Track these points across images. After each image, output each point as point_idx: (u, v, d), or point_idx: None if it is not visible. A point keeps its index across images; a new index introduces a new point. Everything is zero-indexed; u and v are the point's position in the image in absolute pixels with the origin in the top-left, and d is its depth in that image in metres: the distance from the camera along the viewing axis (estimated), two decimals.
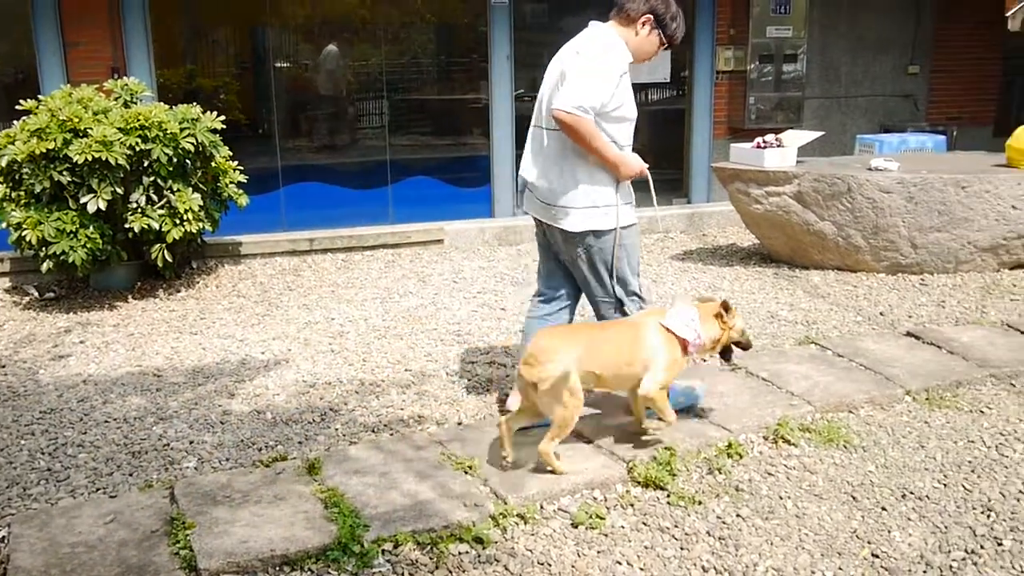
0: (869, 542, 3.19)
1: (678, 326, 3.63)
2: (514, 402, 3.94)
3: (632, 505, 3.42)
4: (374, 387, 4.60)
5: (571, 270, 4.04)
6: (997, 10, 10.20)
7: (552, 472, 3.54)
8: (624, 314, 3.93)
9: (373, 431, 4.08)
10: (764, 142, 6.73)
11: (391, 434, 4.03)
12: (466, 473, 3.56)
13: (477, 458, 3.66)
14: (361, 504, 3.32)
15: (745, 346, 3.93)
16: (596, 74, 3.67)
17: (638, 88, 9.07)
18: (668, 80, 8.96)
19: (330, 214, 7.95)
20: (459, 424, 4.13)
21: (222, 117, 6.27)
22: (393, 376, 4.76)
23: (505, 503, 3.35)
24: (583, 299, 4.20)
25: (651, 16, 3.84)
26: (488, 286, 6.46)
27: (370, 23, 8.39)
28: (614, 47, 3.78)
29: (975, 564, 3.05)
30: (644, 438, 3.83)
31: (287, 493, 3.42)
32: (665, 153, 9.49)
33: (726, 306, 3.77)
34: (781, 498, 3.47)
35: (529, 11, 9.69)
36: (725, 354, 3.89)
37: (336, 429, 4.11)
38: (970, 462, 3.73)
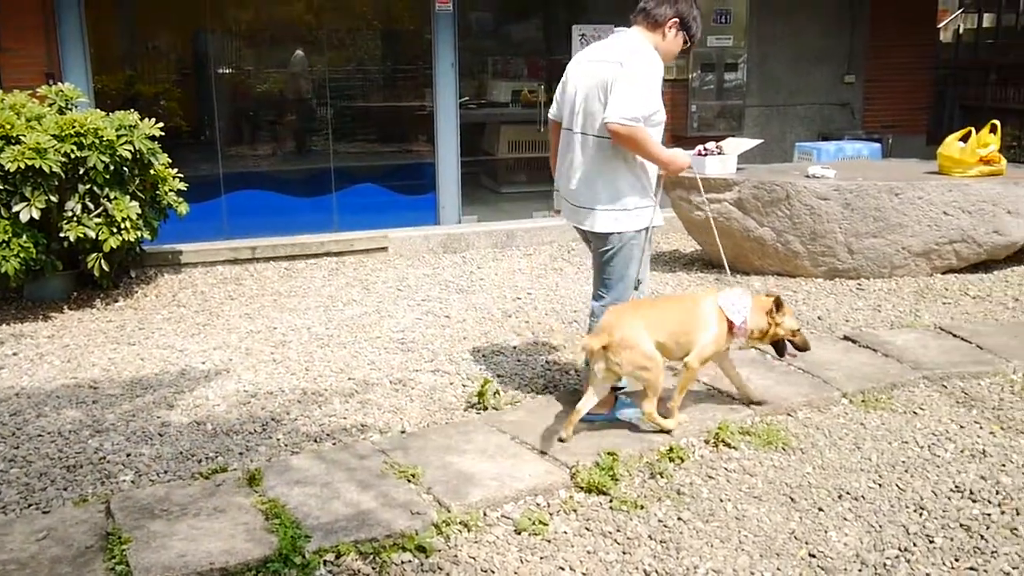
0: (807, 542, 3.25)
1: (728, 307, 3.98)
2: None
3: (575, 510, 3.44)
4: (316, 396, 4.56)
5: (599, 263, 4.22)
6: (929, 22, 10.51)
7: (661, 430, 3.91)
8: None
9: (315, 441, 4.04)
10: (705, 149, 6.82)
11: (333, 444, 4.00)
12: (409, 482, 3.55)
13: (420, 466, 3.65)
14: (303, 515, 3.29)
15: (800, 346, 4.16)
16: (642, 84, 3.83)
17: None
18: None
19: (273, 222, 7.87)
20: (402, 432, 4.11)
21: (161, 124, 6.17)
22: (336, 385, 4.72)
23: (448, 511, 3.35)
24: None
25: (678, 20, 4.00)
26: (432, 294, 6.44)
27: (315, 29, 8.33)
28: (650, 55, 3.93)
29: (908, 562, 3.12)
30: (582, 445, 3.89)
31: (227, 505, 3.37)
32: None
33: (778, 303, 4.05)
34: (721, 501, 3.52)
35: (474, 19, 9.73)
36: (778, 348, 4.16)
37: (278, 439, 4.06)
38: (904, 462, 3.82)
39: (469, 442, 3.91)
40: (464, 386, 4.65)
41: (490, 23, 10.05)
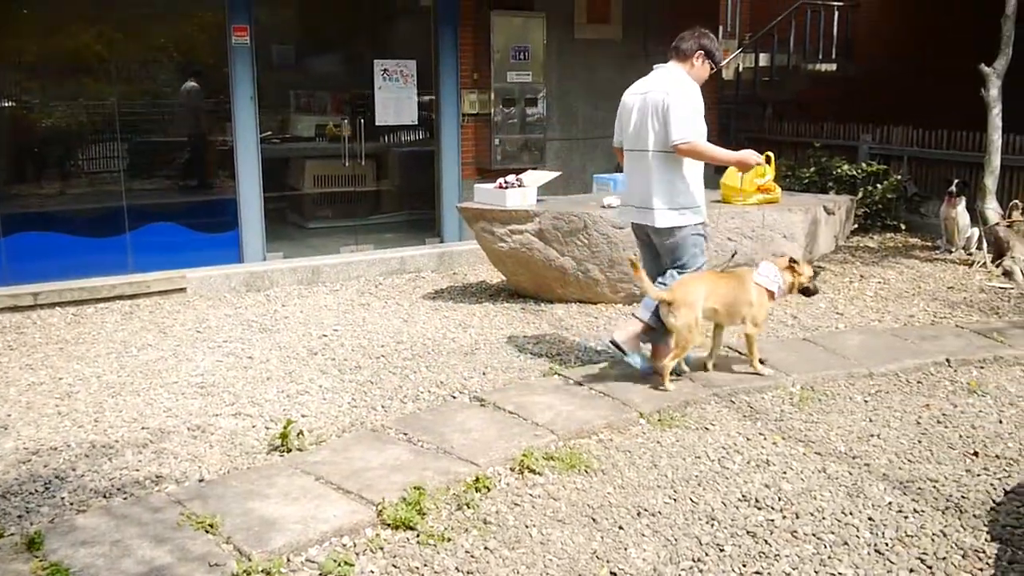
0: (608, 561, 3.35)
1: (766, 280, 5.01)
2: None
3: (382, 548, 3.41)
4: (107, 449, 4.30)
5: (664, 254, 5.14)
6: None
7: (661, 388, 4.84)
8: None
9: (105, 496, 3.80)
10: (506, 182, 6.99)
11: (125, 498, 3.78)
12: (207, 532, 3.40)
13: (220, 515, 3.51)
14: None
15: (813, 290, 5.23)
16: (692, 107, 4.86)
17: (387, 130, 9.19)
18: (416, 123, 9.10)
19: (61, 265, 7.37)
20: (201, 481, 3.94)
21: None
22: (128, 436, 4.46)
23: (249, 559, 3.24)
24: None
25: (702, 51, 5.01)
26: (234, 334, 6.23)
27: (105, 61, 7.92)
28: (688, 82, 4.94)
29: (701, 571, 3.28)
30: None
31: (2, 574, 3.12)
32: (418, 193, 9.63)
33: (793, 260, 5.13)
34: (527, 527, 3.58)
35: (275, 53, 9.56)
36: (807, 293, 5.25)
37: (62, 498, 3.79)
38: (696, 476, 4.02)
39: (272, 486, 3.79)
40: (267, 428, 4.52)
41: (291, 57, 9.92)
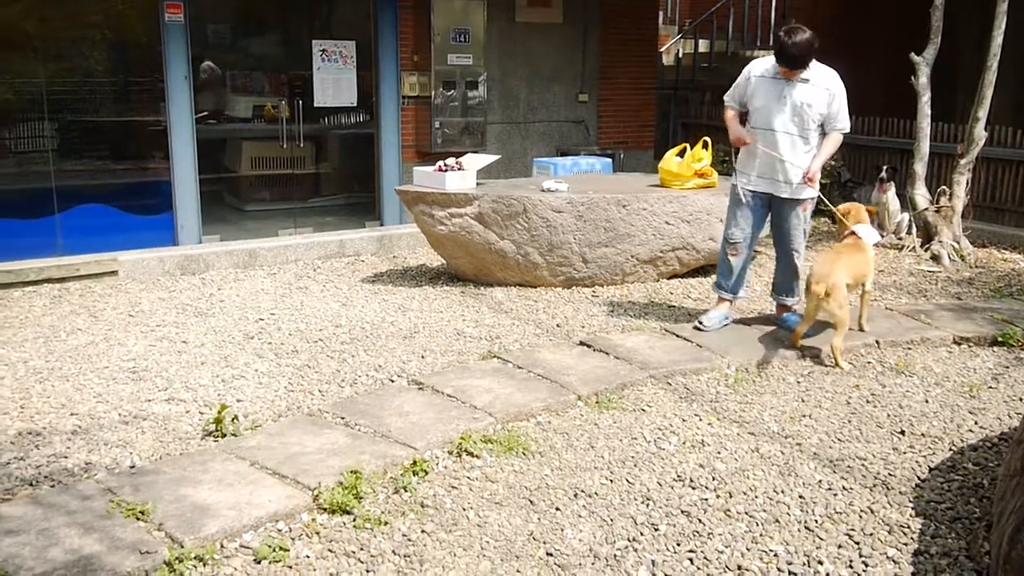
0: (544, 542, 3.37)
1: (869, 237, 5.58)
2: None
3: (318, 533, 3.38)
4: (34, 436, 4.19)
5: None
6: (652, 47, 11.31)
7: (837, 365, 5.22)
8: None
9: (31, 485, 3.71)
10: (445, 165, 6.95)
11: (53, 486, 3.69)
12: (138, 519, 3.34)
13: (151, 502, 3.45)
14: (14, 568, 3.01)
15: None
16: (735, 83, 5.70)
17: (326, 112, 9.06)
18: (355, 104, 9.00)
19: None
20: (132, 468, 3.87)
21: None
22: (56, 422, 4.36)
23: (182, 546, 3.19)
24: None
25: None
26: (168, 318, 6.11)
27: (33, 38, 7.66)
28: (753, 65, 5.63)
29: (635, 550, 3.33)
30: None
31: None
32: (358, 176, 9.55)
33: (867, 211, 5.90)
34: (464, 509, 3.59)
35: (211, 32, 9.37)
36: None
37: None
38: (633, 457, 4.07)
39: (205, 472, 3.74)
40: (201, 414, 4.45)
41: (228, 36, 9.73)
